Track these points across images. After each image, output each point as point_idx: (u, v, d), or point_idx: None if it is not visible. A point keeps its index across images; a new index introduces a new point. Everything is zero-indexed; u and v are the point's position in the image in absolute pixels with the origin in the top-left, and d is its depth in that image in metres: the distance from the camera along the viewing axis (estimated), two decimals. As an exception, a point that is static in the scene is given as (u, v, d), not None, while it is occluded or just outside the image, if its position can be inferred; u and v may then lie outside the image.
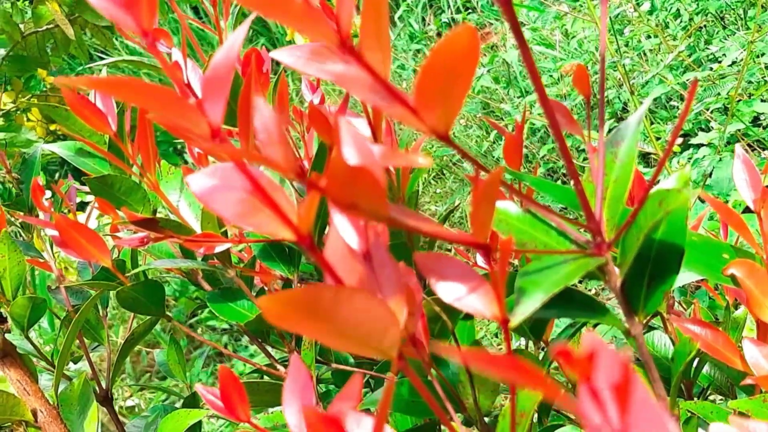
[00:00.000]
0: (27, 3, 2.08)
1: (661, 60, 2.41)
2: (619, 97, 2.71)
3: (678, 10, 2.65)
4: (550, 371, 0.67)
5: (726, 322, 0.63)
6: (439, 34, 3.86)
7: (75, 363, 1.10)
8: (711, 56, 2.58)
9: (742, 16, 2.65)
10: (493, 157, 3.03)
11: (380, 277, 0.28)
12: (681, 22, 2.64)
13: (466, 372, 0.60)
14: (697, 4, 2.58)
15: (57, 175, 3.67)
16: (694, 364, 0.68)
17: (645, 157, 2.66)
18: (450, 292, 0.30)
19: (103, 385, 0.89)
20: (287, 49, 0.31)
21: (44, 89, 2.31)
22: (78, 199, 1.06)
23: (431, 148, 3.18)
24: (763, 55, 2.34)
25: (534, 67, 0.28)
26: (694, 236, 0.48)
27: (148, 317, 0.86)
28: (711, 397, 0.80)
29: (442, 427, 0.79)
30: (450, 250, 1.99)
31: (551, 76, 2.84)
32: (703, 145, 2.22)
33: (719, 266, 0.46)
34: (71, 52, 2.07)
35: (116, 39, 2.49)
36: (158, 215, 0.85)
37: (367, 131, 0.60)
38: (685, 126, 2.45)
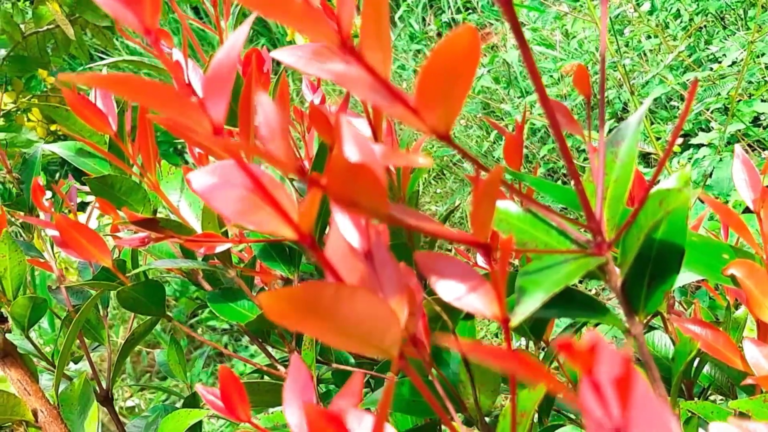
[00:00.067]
0: (28, 3, 2.08)
1: (662, 60, 2.41)
2: (619, 98, 2.71)
3: (678, 10, 2.65)
4: (550, 371, 0.67)
5: (726, 322, 0.63)
6: (439, 35, 3.86)
7: (75, 363, 1.10)
8: (711, 56, 2.58)
9: (743, 16, 2.65)
10: (494, 157, 3.03)
11: (381, 276, 0.28)
12: (681, 22, 2.64)
13: (467, 371, 0.60)
14: (697, 5, 2.58)
15: (57, 175, 3.67)
16: (695, 364, 0.68)
17: (645, 157, 2.66)
18: (450, 291, 0.30)
19: (104, 385, 0.89)
20: (288, 49, 0.31)
21: (45, 89, 2.31)
22: (78, 200, 1.06)
23: (432, 148, 3.18)
24: (763, 55, 2.34)
25: (534, 67, 0.28)
26: (694, 236, 0.48)
27: (149, 317, 0.86)
28: (711, 397, 0.80)
29: (443, 427, 0.79)
30: (450, 251, 1.99)
31: (551, 76, 2.84)
32: (703, 145, 2.23)
33: (719, 266, 0.46)
34: (72, 52, 2.07)
35: (117, 39, 2.50)
36: (159, 215, 0.85)
37: (368, 131, 0.60)
38: (685, 126, 2.45)
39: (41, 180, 1.00)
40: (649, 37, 2.56)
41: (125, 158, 0.79)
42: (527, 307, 0.30)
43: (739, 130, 2.20)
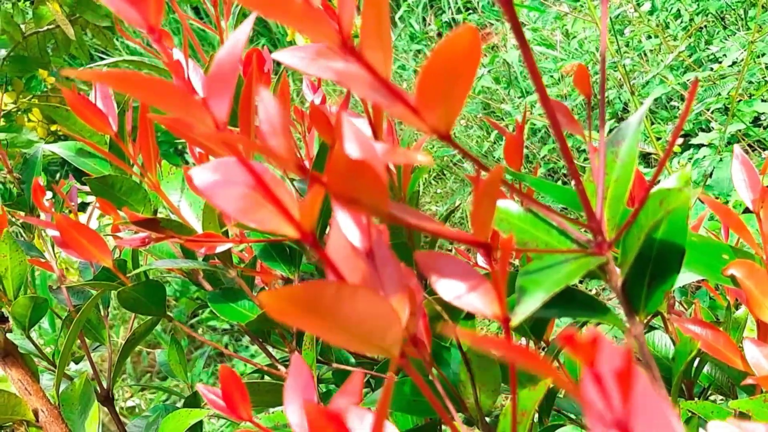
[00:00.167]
0: (28, 3, 2.08)
1: (662, 60, 2.41)
2: (619, 98, 2.71)
3: (678, 10, 2.65)
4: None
5: (727, 322, 0.63)
6: (439, 35, 3.86)
7: (76, 363, 1.10)
8: (711, 56, 2.58)
9: (743, 16, 2.65)
10: (494, 157, 3.03)
11: (382, 274, 0.28)
12: (681, 22, 2.64)
13: (468, 371, 0.60)
14: (698, 5, 2.58)
15: (58, 175, 3.67)
16: (695, 364, 0.68)
17: (645, 158, 2.66)
18: (451, 290, 0.30)
19: (104, 385, 0.89)
20: (290, 51, 0.31)
21: (45, 89, 2.31)
22: (79, 200, 1.06)
23: (432, 149, 3.18)
24: (763, 55, 2.34)
25: (535, 67, 0.28)
26: (693, 237, 0.48)
27: (149, 317, 0.86)
28: (712, 397, 0.80)
29: (443, 427, 0.79)
30: (451, 251, 1.99)
31: (552, 76, 2.84)
32: (703, 145, 2.23)
33: (719, 267, 0.46)
34: (72, 52, 2.07)
35: (117, 39, 2.50)
36: (159, 215, 0.85)
37: (368, 131, 0.60)
38: (685, 126, 2.46)
39: (41, 180, 1.00)
40: (649, 37, 2.56)
41: (126, 158, 0.79)
42: (528, 306, 0.30)
43: (740, 130, 2.20)
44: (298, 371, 0.32)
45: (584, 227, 0.34)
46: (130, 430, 0.92)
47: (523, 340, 0.83)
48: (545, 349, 0.74)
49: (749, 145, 2.27)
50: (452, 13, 4.01)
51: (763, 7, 1.94)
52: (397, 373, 0.75)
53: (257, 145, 0.25)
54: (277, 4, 0.25)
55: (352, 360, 0.90)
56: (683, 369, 0.59)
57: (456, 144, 0.28)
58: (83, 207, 1.63)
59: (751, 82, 2.36)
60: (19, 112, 2.06)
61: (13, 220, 1.15)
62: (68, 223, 0.74)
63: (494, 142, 3.13)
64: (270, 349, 0.89)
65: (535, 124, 2.84)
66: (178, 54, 0.80)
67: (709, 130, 2.35)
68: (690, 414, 0.58)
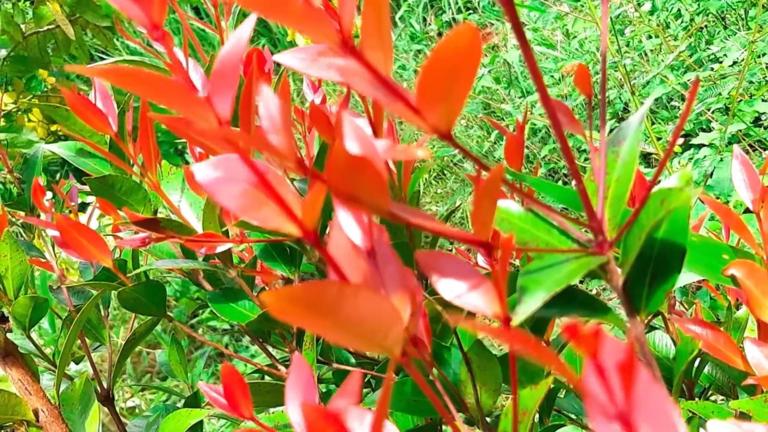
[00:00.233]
0: (28, 3, 2.08)
1: (662, 60, 2.41)
2: (620, 98, 2.71)
3: (679, 10, 2.65)
4: (551, 371, 0.67)
5: (728, 322, 0.63)
6: (440, 35, 3.86)
7: (76, 363, 1.10)
8: (712, 56, 2.58)
9: (743, 16, 2.65)
10: (494, 157, 3.03)
11: (384, 273, 0.28)
12: (682, 22, 2.64)
13: (468, 371, 0.60)
14: (698, 5, 2.58)
15: (58, 175, 3.67)
16: (696, 364, 0.68)
17: (646, 158, 2.66)
18: (452, 290, 0.30)
19: (105, 385, 0.89)
20: (291, 53, 0.31)
21: (45, 90, 2.31)
22: (79, 200, 1.06)
23: (432, 148, 3.18)
24: (764, 55, 2.34)
25: (536, 66, 0.28)
26: (693, 237, 0.48)
27: (150, 317, 0.86)
28: (712, 398, 0.80)
29: (443, 427, 0.79)
30: (451, 251, 1.99)
31: (552, 76, 2.84)
32: (704, 145, 2.23)
33: (719, 267, 0.46)
34: (72, 52, 2.07)
35: (117, 39, 2.50)
36: (159, 215, 0.85)
37: (369, 130, 0.60)
38: (686, 126, 2.45)
39: (41, 180, 1.00)
40: (650, 37, 2.56)
41: (126, 158, 0.79)
42: (528, 306, 0.30)
43: (740, 130, 2.20)
44: (299, 370, 0.32)
45: (585, 227, 0.34)
46: (130, 430, 0.92)
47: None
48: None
49: (750, 145, 2.27)
50: (452, 13, 4.01)
51: (763, 6, 1.94)
52: (397, 373, 0.75)
53: (257, 140, 0.24)
54: (276, 5, 0.25)
55: (353, 360, 0.90)
56: (684, 369, 0.59)
57: (457, 143, 0.28)
58: (83, 207, 1.63)
59: (751, 82, 2.36)
60: (20, 112, 2.07)
61: (14, 220, 1.15)
62: (68, 223, 0.74)
63: (494, 142, 3.13)
64: (270, 349, 0.88)
65: (535, 124, 2.84)
66: (178, 53, 0.80)
67: (709, 130, 2.35)
68: (691, 414, 0.58)
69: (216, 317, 1.73)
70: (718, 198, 2.03)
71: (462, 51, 0.25)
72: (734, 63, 2.36)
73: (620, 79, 2.52)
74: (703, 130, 2.41)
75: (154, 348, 3.06)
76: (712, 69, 2.34)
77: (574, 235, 0.35)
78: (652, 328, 0.75)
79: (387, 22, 0.27)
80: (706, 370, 0.72)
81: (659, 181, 0.35)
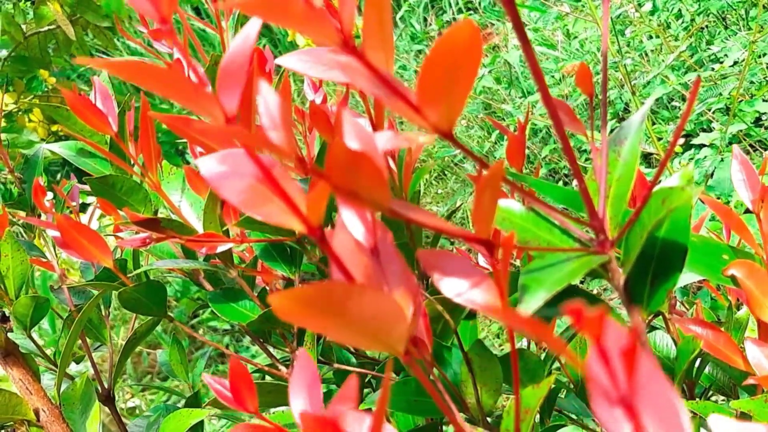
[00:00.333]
0: (29, 4, 2.08)
1: (663, 60, 2.41)
2: (620, 98, 2.71)
3: (680, 10, 2.65)
4: (552, 371, 0.67)
5: (729, 322, 0.63)
6: (440, 35, 3.85)
7: (77, 363, 1.10)
8: (713, 56, 2.58)
9: (744, 16, 2.64)
10: (495, 157, 3.03)
11: (387, 271, 0.28)
12: (683, 22, 2.64)
13: (469, 371, 0.60)
14: (699, 5, 2.58)
15: (59, 175, 3.67)
16: (696, 364, 0.68)
17: (647, 158, 2.66)
18: (453, 288, 0.30)
19: (105, 384, 0.89)
20: (294, 55, 0.31)
21: (46, 90, 2.31)
22: (80, 200, 1.06)
23: (433, 149, 3.18)
24: (764, 55, 2.34)
25: (537, 66, 0.28)
26: (694, 237, 0.48)
27: (150, 318, 0.86)
28: (713, 398, 0.80)
29: (444, 427, 0.79)
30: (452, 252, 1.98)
31: (553, 76, 2.84)
32: (704, 145, 2.22)
33: (719, 267, 0.46)
34: (73, 52, 2.07)
35: (118, 39, 2.50)
36: (160, 215, 0.85)
37: (370, 129, 0.59)
38: (687, 126, 2.45)
39: (42, 180, 1.00)
40: (650, 37, 2.56)
41: (126, 158, 0.79)
42: (530, 304, 0.30)
43: (741, 131, 2.20)
44: (303, 366, 0.32)
45: (586, 226, 0.34)
46: (131, 430, 0.92)
47: (524, 341, 0.83)
48: (546, 350, 0.74)
49: (750, 146, 2.27)
50: (453, 13, 4.01)
51: (764, 7, 1.94)
52: (397, 373, 0.75)
53: (257, 137, 0.24)
54: (276, 8, 0.25)
55: (353, 360, 0.90)
56: (685, 368, 0.59)
57: (458, 143, 0.28)
58: (84, 207, 1.63)
59: (752, 82, 2.36)
60: (20, 113, 2.07)
61: (14, 220, 1.15)
62: (69, 224, 0.74)
63: (495, 143, 3.13)
64: (271, 349, 0.88)
65: (536, 125, 2.84)
66: (178, 53, 0.80)
67: (710, 130, 2.35)
68: (691, 414, 0.58)
69: (217, 317, 1.73)
70: (718, 198, 2.03)
71: (462, 47, 0.25)
72: (735, 63, 2.36)
73: (621, 80, 2.52)
74: (704, 131, 2.41)
75: (154, 348, 3.06)
76: (712, 69, 2.34)
77: (575, 234, 0.35)
78: (653, 328, 0.75)
79: (388, 22, 0.27)
80: (706, 370, 0.72)
81: (660, 181, 0.35)
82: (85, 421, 0.80)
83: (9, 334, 0.84)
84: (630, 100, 2.58)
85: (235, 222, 0.71)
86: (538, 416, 0.73)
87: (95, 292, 0.83)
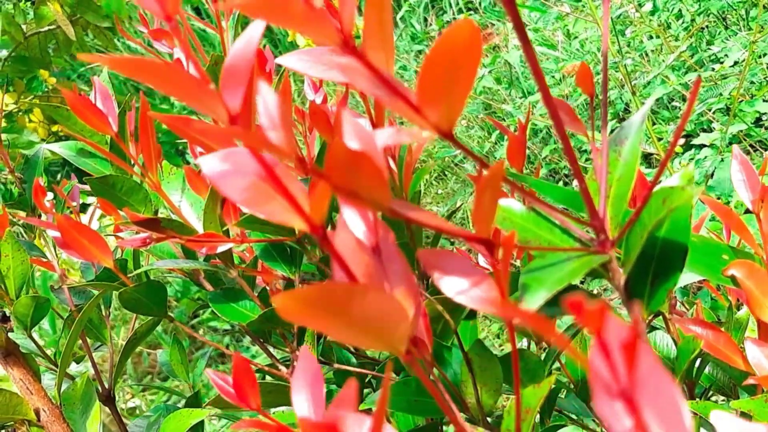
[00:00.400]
0: (29, 4, 2.08)
1: (663, 60, 2.41)
2: (621, 98, 2.71)
3: (680, 10, 2.65)
4: (552, 371, 0.67)
5: (729, 322, 0.63)
6: (440, 35, 3.85)
7: (77, 363, 1.10)
8: (713, 57, 2.58)
9: (744, 16, 2.64)
10: (495, 158, 3.03)
11: (389, 270, 0.28)
12: (683, 22, 2.64)
13: (469, 371, 0.60)
14: (699, 5, 2.58)
15: (59, 175, 3.67)
16: (697, 364, 0.68)
17: (647, 158, 2.66)
18: (454, 287, 0.30)
19: (106, 384, 0.89)
20: (294, 55, 0.31)
21: (46, 90, 2.31)
22: (80, 201, 1.06)
23: (433, 149, 3.18)
24: (765, 55, 2.34)
25: (537, 65, 0.28)
26: (694, 237, 0.48)
27: (150, 318, 0.86)
28: (713, 398, 0.80)
29: (444, 427, 0.79)
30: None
31: (553, 77, 2.84)
32: (705, 145, 2.22)
33: (719, 267, 0.46)
34: (73, 53, 2.07)
35: (118, 40, 2.50)
36: (160, 215, 0.85)
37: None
38: (687, 126, 2.45)
39: (42, 180, 1.00)
40: (650, 37, 2.56)
41: (126, 158, 0.79)
42: (530, 304, 0.30)
43: (741, 131, 2.20)
44: (306, 363, 0.32)
45: (587, 226, 0.34)
46: (131, 430, 0.92)
47: (524, 341, 0.83)
48: (546, 350, 0.74)
49: (751, 146, 2.27)
50: (454, 14, 4.01)
51: (764, 7, 1.94)
52: (397, 373, 0.75)
53: (257, 138, 0.24)
54: (276, 8, 0.25)
55: (354, 360, 0.90)
56: (685, 368, 0.59)
57: (458, 142, 0.28)
58: (84, 208, 1.63)
59: (752, 83, 2.36)
60: (21, 113, 2.07)
61: (15, 220, 1.15)
62: (69, 224, 0.74)
63: (495, 143, 3.13)
64: (271, 349, 0.88)
65: (536, 125, 2.84)
66: (179, 54, 0.80)
67: (710, 130, 2.35)
68: (691, 414, 0.58)
69: (217, 317, 1.73)
70: (719, 198, 2.03)
71: (462, 47, 0.25)
72: (735, 63, 2.36)
73: (621, 80, 2.52)
74: (704, 131, 2.41)
75: (154, 348, 3.06)
76: (713, 69, 2.34)
77: (576, 234, 0.35)
78: (653, 329, 0.75)
79: (389, 22, 0.27)
80: (706, 370, 0.72)
81: (660, 181, 0.35)
82: (86, 421, 0.80)
83: (9, 334, 0.84)
84: (630, 100, 2.58)
85: (235, 222, 0.71)
86: (538, 416, 0.73)
87: (95, 292, 0.83)
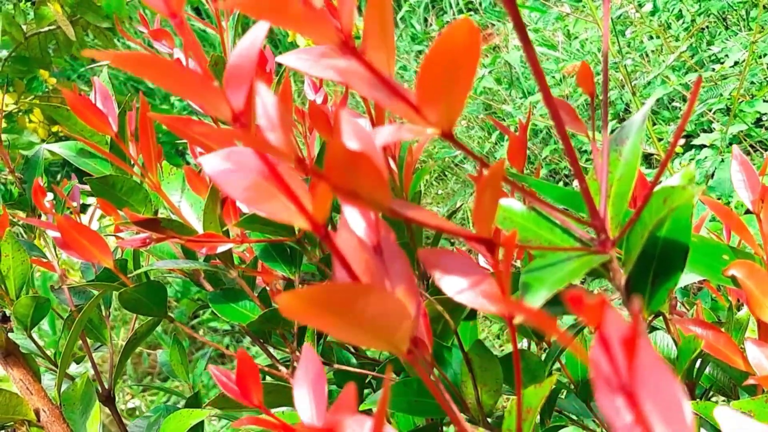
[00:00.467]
0: (29, 4, 2.08)
1: (664, 61, 2.41)
2: (621, 98, 2.71)
3: (680, 11, 2.65)
4: (552, 371, 0.67)
5: (729, 323, 0.63)
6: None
7: (77, 363, 1.10)
8: (713, 57, 2.58)
9: (745, 16, 2.65)
10: (495, 158, 3.03)
11: (390, 269, 0.28)
12: (683, 23, 2.64)
13: (469, 371, 0.60)
14: (700, 5, 2.58)
15: (59, 176, 3.67)
16: (697, 365, 0.68)
17: (647, 159, 2.66)
18: (455, 286, 0.30)
19: (106, 385, 0.89)
20: (294, 53, 0.31)
21: (46, 90, 2.31)
22: (81, 201, 1.06)
23: (433, 149, 3.18)
24: (765, 55, 2.34)
25: (538, 65, 0.28)
26: (694, 237, 0.48)
27: (150, 318, 0.86)
28: (713, 399, 0.80)
29: (444, 428, 0.79)
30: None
31: (553, 77, 2.84)
32: (705, 146, 2.23)
33: (719, 267, 0.46)
34: (73, 53, 2.07)
35: (118, 40, 2.50)
36: (160, 216, 0.85)
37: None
38: (687, 127, 2.45)
39: (42, 181, 1.00)
40: (651, 37, 2.56)
41: (126, 159, 0.79)
42: (531, 303, 0.30)
43: (742, 131, 2.20)
44: (308, 361, 0.32)
45: (588, 225, 0.34)
46: (131, 430, 0.92)
47: (525, 342, 0.83)
48: (546, 351, 0.74)
49: (751, 146, 2.27)
50: (454, 14, 4.01)
51: (764, 7, 1.94)
52: (397, 374, 0.75)
53: (255, 139, 0.24)
54: (275, 8, 0.25)
55: (353, 361, 0.90)
56: (686, 368, 0.59)
57: (458, 142, 0.28)
58: (84, 208, 1.63)
59: (752, 83, 2.36)
60: (21, 113, 2.07)
61: (15, 220, 1.15)
62: (69, 224, 0.74)
63: (495, 143, 3.13)
64: (271, 350, 0.88)
65: (536, 125, 2.84)
66: (178, 54, 0.80)
67: (711, 130, 2.35)
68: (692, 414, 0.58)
69: (217, 318, 1.73)
70: (719, 199, 2.03)
71: (461, 45, 0.25)
72: (735, 63, 2.36)
73: (621, 80, 2.52)
74: (705, 131, 2.41)
75: (154, 349, 3.06)
76: (713, 70, 2.34)
77: (576, 234, 0.35)
78: (653, 329, 0.75)
79: (390, 22, 0.27)
80: (707, 371, 0.72)
81: (661, 181, 0.35)
82: (86, 422, 0.80)
83: (9, 335, 0.84)
84: (631, 100, 2.58)
85: (235, 222, 0.71)
86: (538, 417, 0.73)
87: (95, 293, 0.83)
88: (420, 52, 3.99)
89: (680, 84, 2.20)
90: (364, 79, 0.27)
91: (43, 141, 2.04)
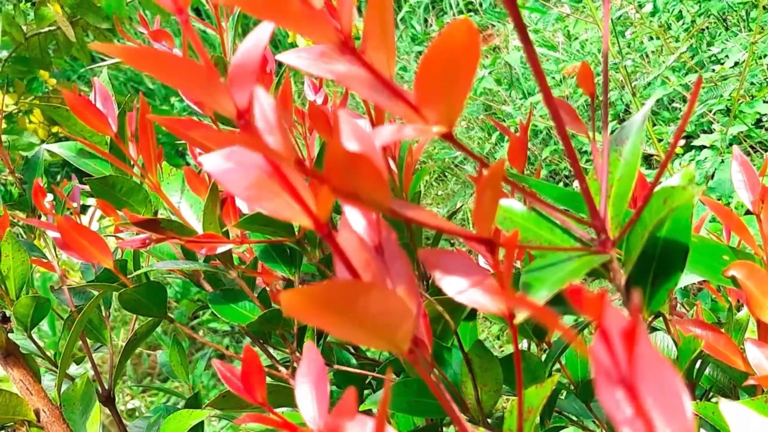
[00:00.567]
0: (29, 5, 2.08)
1: (664, 61, 2.41)
2: (621, 99, 2.71)
3: (680, 11, 2.66)
4: (552, 372, 0.67)
5: (729, 323, 0.63)
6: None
7: (77, 364, 1.10)
8: (713, 58, 2.58)
9: (745, 17, 2.65)
10: (495, 159, 3.03)
11: (391, 269, 0.28)
12: (683, 23, 2.64)
13: (469, 372, 0.60)
14: (700, 6, 2.58)
15: (59, 176, 3.67)
16: (697, 366, 0.68)
17: (647, 159, 2.66)
18: (456, 287, 0.30)
19: (106, 385, 0.89)
20: (293, 52, 0.31)
21: (46, 91, 2.31)
22: (81, 201, 1.06)
23: (433, 150, 3.18)
24: (765, 56, 2.34)
25: (539, 66, 0.28)
26: (694, 238, 0.48)
27: (150, 319, 0.86)
28: (713, 399, 0.80)
29: (444, 428, 0.79)
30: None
31: (553, 77, 2.84)
32: (705, 147, 2.23)
33: (719, 268, 0.46)
34: (73, 53, 2.07)
35: (118, 41, 2.50)
36: (160, 216, 0.85)
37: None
38: (687, 128, 2.45)
39: (42, 181, 1.00)
40: (651, 38, 2.56)
41: (126, 159, 0.79)
42: (531, 304, 0.30)
43: (742, 132, 2.20)
44: (310, 359, 0.32)
45: (588, 225, 0.34)
46: (131, 431, 0.92)
47: (525, 342, 0.83)
48: (546, 351, 0.74)
49: (751, 147, 2.27)
50: (454, 14, 4.01)
51: (764, 8, 1.94)
52: (397, 374, 0.75)
53: (253, 141, 0.24)
54: (275, 8, 0.25)
55: (354, 361, 0.90)
56: (686, 368, 0.59)
57: (458, 143, 0.28)
58: (84, 209, 1.63)
59: (753, 84, 2.36)
60: (21, 114, 2.07)
61: (15, 221, 1.15)
62: (69, 225, 0.74)
63: (495, 144, 3.13)
64: (271, 350, 0.88)
65: (537, 126, 2.84)
66: (178, 54, 0.80)
67: (711, 131, 2.36)
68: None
69: (217, 319, 1.73)
70: (719, 200, 2.03)
71: (460, 45, 0.25)
72: (735, 64, 2.36)
73: (621, 81, 2.52)
74: (705, 132, 2.41)
75: (154, 349, 3.06)
76: (713, 70, 2.34)
77: (576, 234, 0.35)
78: (653, 329, 0.75)
79: (390, 23, 0.27)
80: (706, 371, 0.72)
81: (661, 182, 0.35)
82: (86, 422, 0.80)
83: (9, 335, 0.84)
84: (631, 101, 2.58)
85: (235, 223, 0.71)
86: (538, 418, 0.72)
87: (95, 293, 0.83)
88: (420, 53, 3.99)
89: (680, 85, 2.20)
90: (363, 81, 0.27)
91: (43, 142, 2.05)
